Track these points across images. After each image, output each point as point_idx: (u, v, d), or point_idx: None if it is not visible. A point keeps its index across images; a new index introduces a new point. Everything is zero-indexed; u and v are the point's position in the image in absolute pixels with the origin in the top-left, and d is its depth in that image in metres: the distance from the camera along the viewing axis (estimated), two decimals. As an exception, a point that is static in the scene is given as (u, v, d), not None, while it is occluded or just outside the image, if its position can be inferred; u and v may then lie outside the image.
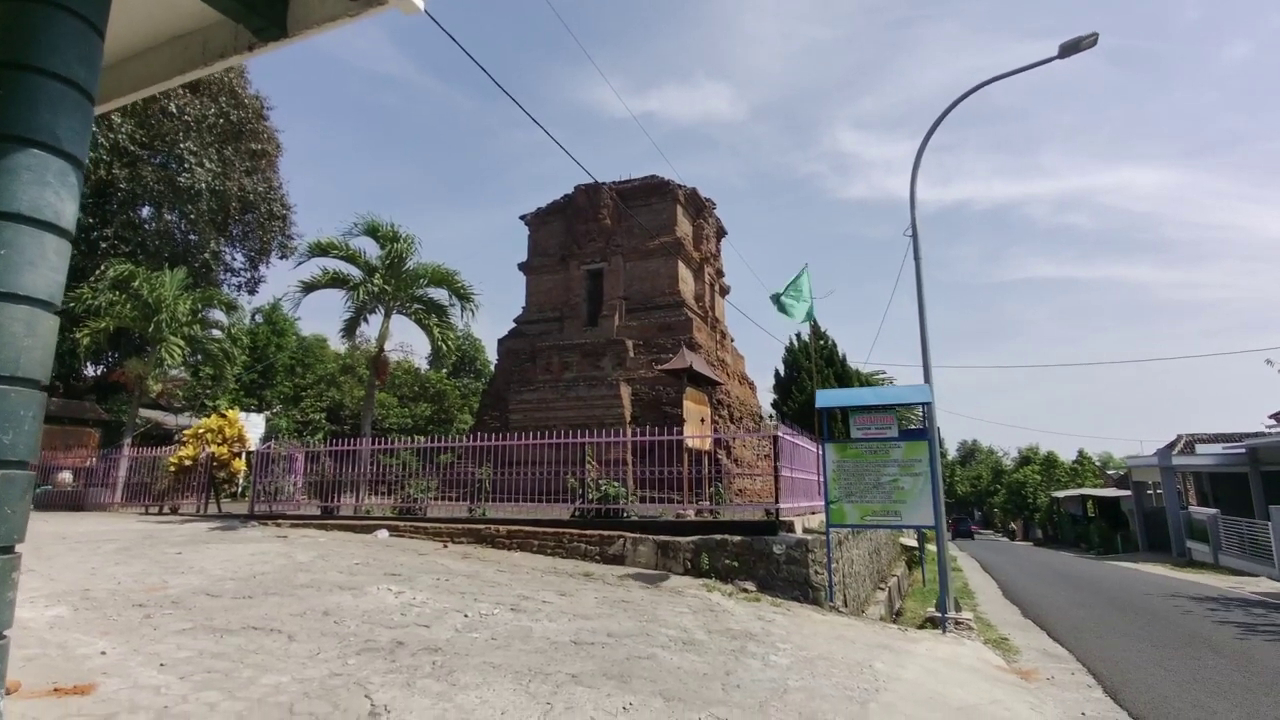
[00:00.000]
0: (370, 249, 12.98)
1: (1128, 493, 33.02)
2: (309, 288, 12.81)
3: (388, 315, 13.15)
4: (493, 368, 34.70)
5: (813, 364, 17.65)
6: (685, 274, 25.93)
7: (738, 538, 8.94)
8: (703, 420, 13.43)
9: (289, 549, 9.36)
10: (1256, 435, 27.93)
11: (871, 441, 8.69)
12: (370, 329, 19.07)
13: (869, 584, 12.57)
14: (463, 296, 13.19)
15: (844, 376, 19.86)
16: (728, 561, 8.81)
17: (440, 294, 13.64)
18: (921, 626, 9.20)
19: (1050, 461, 58.73)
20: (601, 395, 22.45)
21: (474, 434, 24.14)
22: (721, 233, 30.22)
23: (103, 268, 15.81)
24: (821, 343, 20.05)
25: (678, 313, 24.41)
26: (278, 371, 28.20)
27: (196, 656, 4.74)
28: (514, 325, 27.30)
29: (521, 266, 27.76)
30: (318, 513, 12.65)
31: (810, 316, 9.78)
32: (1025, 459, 65.05)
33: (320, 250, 12.63)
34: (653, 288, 25.22)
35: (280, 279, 33.68)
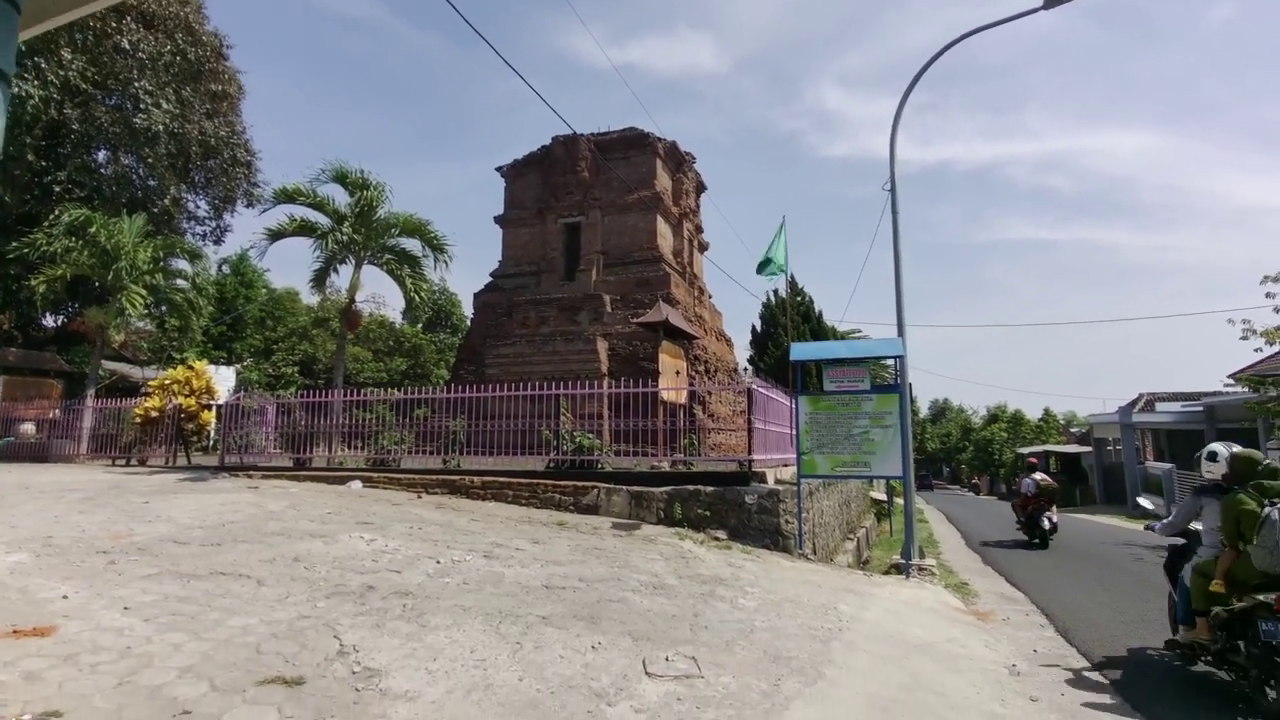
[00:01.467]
0: (339, 196, 12.61)
1: (1089, 449, 34.12)
2: (275, 236, 12.39)
3: (358, 266, 12.84)
4: (468, 322, 34.33)
5: (789, 320, 17.72)
6: (664, 229, 25.65)
7: (710, 488, 9.06)
8: (678, 374, 13.48)
9: (260, 499, 9.30)
10: (1214, 394, 28.89)
11: (844, 394, 8.78)
12: (341, 280, 18.73)
13: (838, 534, 12.91)
14: (436, 247, 12.89)
15: (820, 333, 20.03)
16: (700, 511, 8.95)
17: (413, 245, 13.34)
18: (886, 573, 9.48)
19: (1017, 420, 60.36)
20: (578, 350, 22.38)
21: (449, 387, 24.04)
22: (701, 188, 29.84)
23: (57, 213, 15.12)
24: (798, 299, 20.11)
25: (656, 268, 24.23)
26: (247, 324, 27.58)
27: (162, 600, 4.70)
28: (490, 279, 26.91)
29: (498, 219, 27.22)
30: (290, 464, 12.55)
31: (782, 269, 9.68)
32: (993, 417, 66.69)
33: (286, 197, 12.17)
34: (631, 242, 24.94)
35: (247, 229, 32.67)
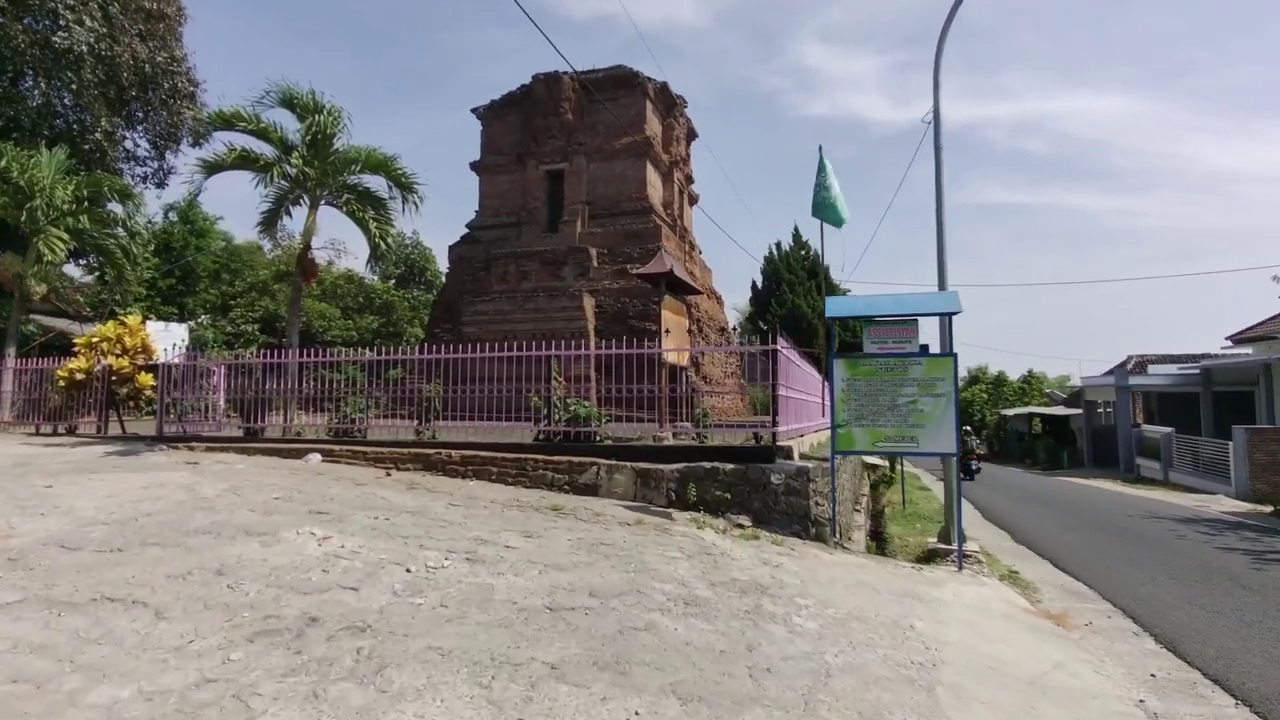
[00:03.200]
0: (289, 125, 10.80)
1: (1078, 411, 33.72)
2: (211, 168, 10.52)
3: (314, 207, 11.10)
4: (444, 278, 32.48)
5: (802, 273, 16.37)
6: (654, 178, 23.95)
7: (730, 466, 7.79)
8: (667, 332, 12.11)
9: (195, 479, 7.82)
10: (1210, 356, 28.39)
11: (888, 357, 7.49)
12: (295, 224, 16.89)
13: (849, 508, 11.84)
14: (404, 186, 11.19)
15: (829, 289, 18.70)
16: (718, 493, 7.69)
17: (377, 184, 11.60)
18: (924, 560, 8.38)
19: (999, 381, 60.24)
20: (563, 306, 20.87)
21: (422, 347, 22.50)
22: (692, 135, 28.02)
23: (-48, 140, 13.04)
24: (803, 253, 18.75)
25: (645, 219, 22.62)
26: (201, 278, 25.44)
27: (7, 651, 3.29)
28: (466, 230, 25.06)
29: (474, 166, 25.22)
30: (241, 435, 11.01)
31: (843, 217, 8.15)
32: (974, 378, 66.64)
33: (224, 122, 10.31)
34: (618, 191, 23.23)
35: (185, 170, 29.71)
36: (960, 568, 7.21)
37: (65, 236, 13.14)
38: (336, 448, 9.66)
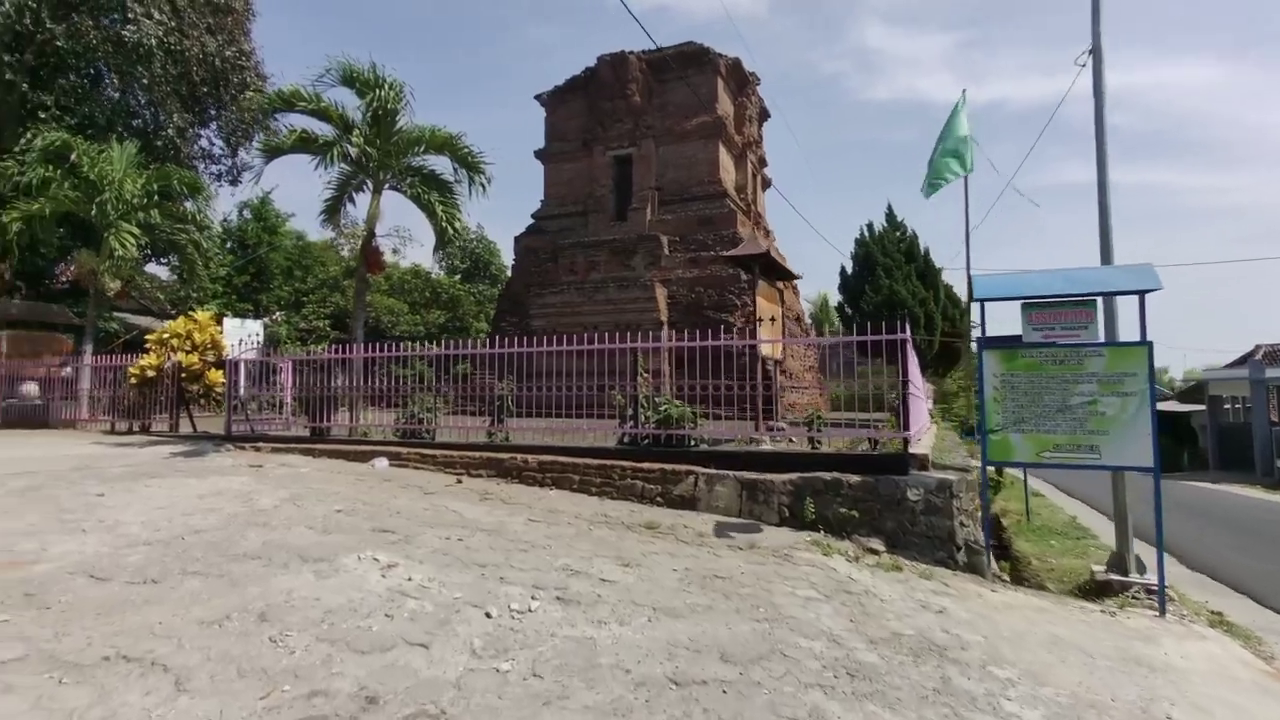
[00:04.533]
0: (350, 104, 10.13)
1: (1199, 407, 30.43)
2: (272, 152, 9.96)
3: (377, 191, 10.42)
4: (508, 271, 32.05)
5: (890, 258, 14.78)
6: (726, 160, 22.60)
7: (855, 477, 6.54)
8: (773, 320, 10.88)
9: (255, 486, 7.14)
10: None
11: (1057, 348, 6.08)
12: (359, 211, 16.43)
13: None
14: (470, 166, 10.38)
15: (927, 274, 16.98)
16: (842, 510, 6.46)
17: (442, 165, 10.84)
18: (1093, 592, 6.91)
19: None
20: (634, 297, 19.84)
21: (495, 341, 21.95)
22: (764, 115, 26.47)
23: (29, 136, 13.04)
24: (898, 234, 17.07)
25: (719, 204, 21.32)
26: (274, 274, 25.72)
27: (-26, 748, 2.44)
28: (532, 221, 24.37)
29: (538, 154, 24.47)
30: (307, 434, 10.46)
31: (961, 167, 6.71)
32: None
33: (284, 102, 9.72)
34: (689, 176, 22.00)
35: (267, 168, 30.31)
36: (1163, 611, 5.75)
37: (136, 231, 12.99)
38: (404, 450, 8.90)
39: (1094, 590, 7.06)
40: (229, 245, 25.38)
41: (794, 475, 6.81)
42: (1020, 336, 6.29)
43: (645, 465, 7.50)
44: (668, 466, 7.39)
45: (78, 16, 15.31)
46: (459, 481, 7.96)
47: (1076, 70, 8.01)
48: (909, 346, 6.96)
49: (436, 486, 7.68)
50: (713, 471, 7.18)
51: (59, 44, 15.12)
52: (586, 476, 7.69)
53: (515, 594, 4.34)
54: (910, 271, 16.16)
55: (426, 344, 9.62)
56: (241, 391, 11.22)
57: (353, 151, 9.83)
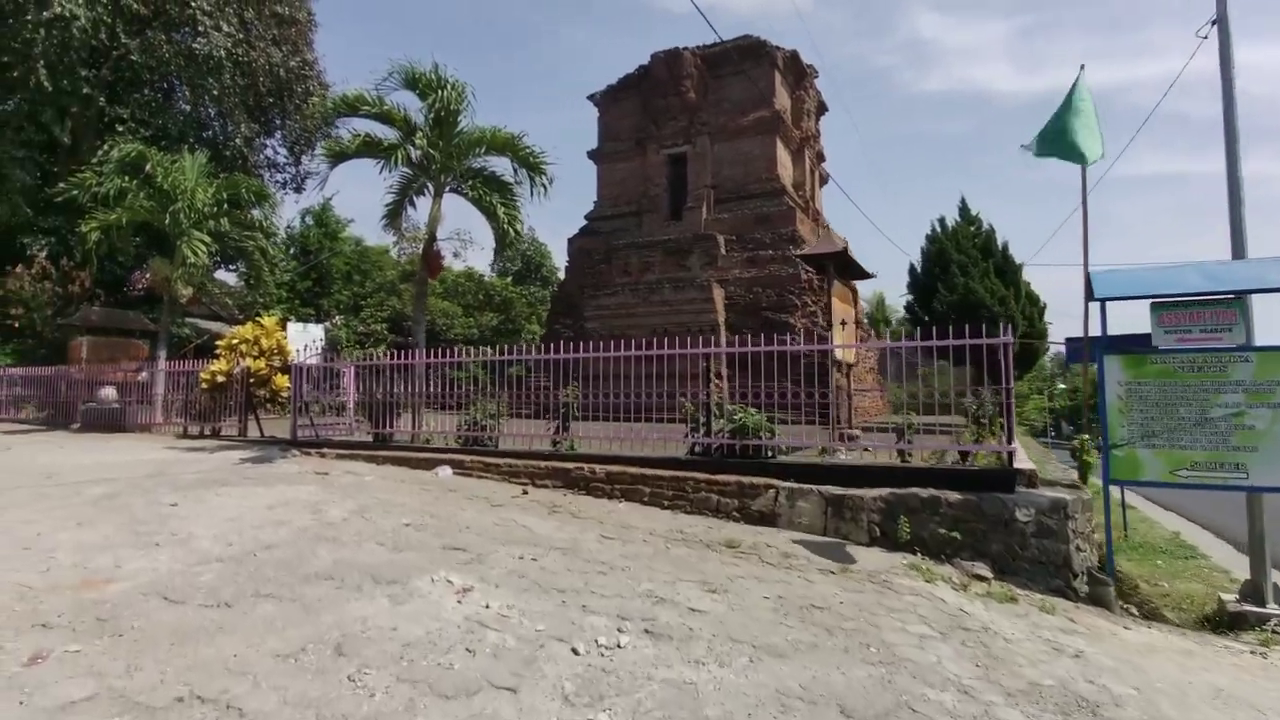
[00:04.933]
0: (412, 106, 10.05)
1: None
2: (336, 156, 9.95)
3: (438, 195, 10.31)
4: (559, 274, 32.07)
5: (964, 255, 13.90)
6: (784, 156, 21.96)
7: (955, 495, 5.99)
8: (844, 324, 10.30)
9: (322, 496, 7.03)
10: None
11: (1194, 353, 5.41)
12: (420, 215, 16.48)
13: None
14: (532, 167, 10.17)
15: (1005, 271, 15.94)
16: (941, 530, 5.91)
17: (502, 166, 10.67)
18: (1224, 624, 6.17)
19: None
20: (690, 298, 19.39)
21: (547, 344, 21.80)
22: (822, 109, 25.66)
23: (106, 147, 13.52)
24: (973, 228, 16.13)
25: (777, 201, 20.70)
26: (335, 279, 26.30)
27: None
28: (585, 222, 24.20)
29: (591, 154, 24.28)
30: (370, 439, 10.41)
31: (1084, 152, 6.04)
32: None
33: (347, 106, 9.70)
34: (746, 173, 21.44)
35: (349, 172, 31.35)
36: (1325, 654, 5.03)
37: (207, 239, 13.31)
38: (467, 459, 8.71)
39: (1225, 622, 6.31)
40: (292, 251, 26.11)
41: (885, 491, 6.29)
42: (1149, 337, 5.64)
43: (720, 478, 7.09)
44: (744, 479, 6.96)
45: (151, 32, 15.85)
46: (525, 493, 7.70)
47: (1196, 44, 7.24)
48: (1010, 351, 6.35)
49: (503, 498, 7.43)
50: (794, 485, 6.72)
51: (134, 58, 15.67)
52: (658, 489, 7.32)
53: (601, 626, 4.00)
54: (988, 268, 15.20)
55: (484, 348, 9.41)
56: (305, 396, 11.28)
57: (415, 154, 9.73)
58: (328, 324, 25.10)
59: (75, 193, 12.61)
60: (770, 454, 7.36)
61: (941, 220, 15.69)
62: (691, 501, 7.09)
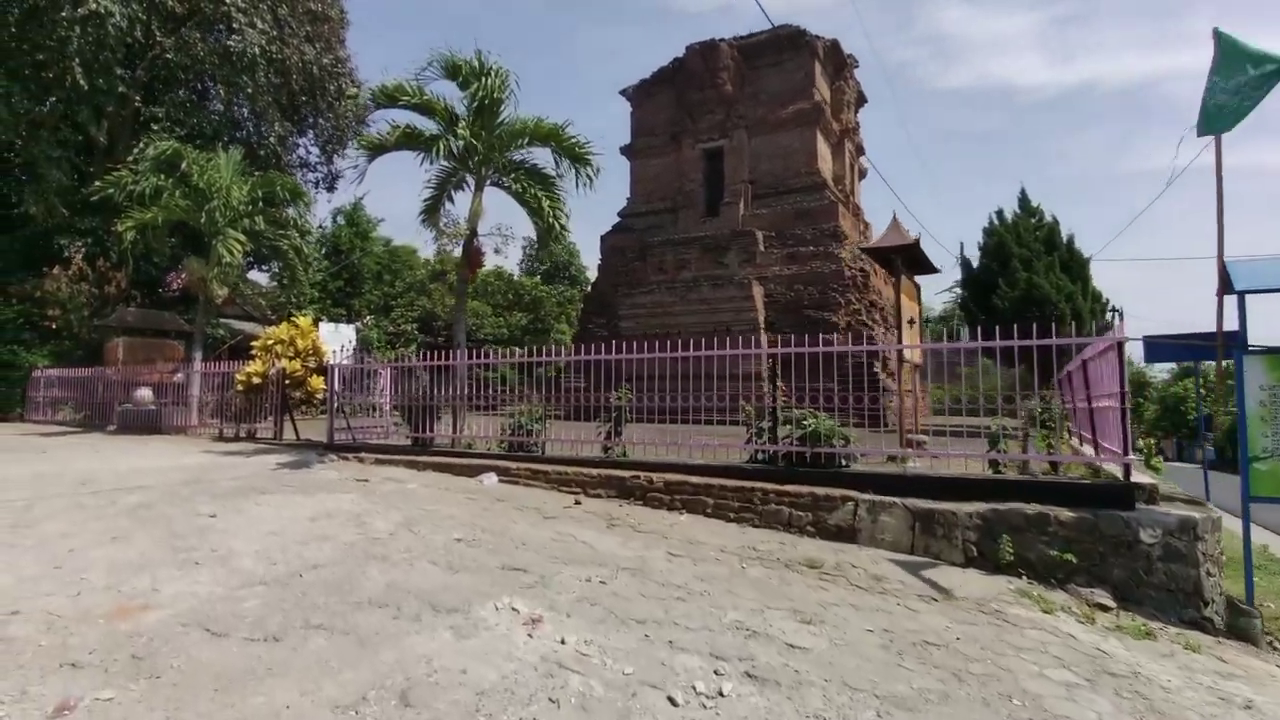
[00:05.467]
0: (453, 95, 9.63)
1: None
2: (375, 148, 9.55)
3: (479, 188, 9.88)
4: (588, 273, 31.65)
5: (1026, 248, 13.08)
6: (824, 149, 21.27)
7: (1067, 512, 5.36)
8: (911, 323, 9.67)
9: (365, 506, 6.62)
10: None
11: (1353, 352, 4.74)
12: (458, 209, 16.16)
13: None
14: (577, 158, 9.69)
15: (1072, 265, 15.07)
16: (1053, 552, 5.29)
17: (543, 158, 10.22)
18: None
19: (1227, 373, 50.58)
20: (729, 296, 18.83)
21: (581, 344, 21.41)
22: (861, 100, 24.89)
23: (142, 145, 13.37)
24: (1034, 220, 15.31)
25: (818, 196, 20.03)
26: (365, 279, 26.19)
27: None
28: (618, 219, 23.74)
29: (624, 150, 23.81)
30: (408, 444, 10.03)
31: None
32: (1185, 371, 56.68)
33: (387, 98, 9.29)
34: (785, 167, 20.81)
35: (377, 171, 31.29)
36: None
37: (242, 238, 13.08)
38: (513, 465, 8.26)
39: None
40: (324, 251, 26.07)
41: (982, 506, 5.68)
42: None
43: (790, 489, 6.53)
44: (818, 490, 6.39)
45: (185, 30, 15.72)
46: (578, 503, 7.22)
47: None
48: (1124, 351, 5.69)
49: (555, 508, 6.96)
50: (874, 498, 6.14)
51: (169, 57, 15.56)
52: (722, 500, 6.79)
53: (695, 667, 3.48)
54: (1053, 262, 14.37)
55: (519, 348, 8.98)
56: (340, 399, 10.95)
57: (456, 146, 9.31)
58: (359, 324, 24.97)
59: (111, 191, 12.45)
60: (844, 463, 6.78)
61: (999, 212, 14.88)
62: (760, 514, 6.55)
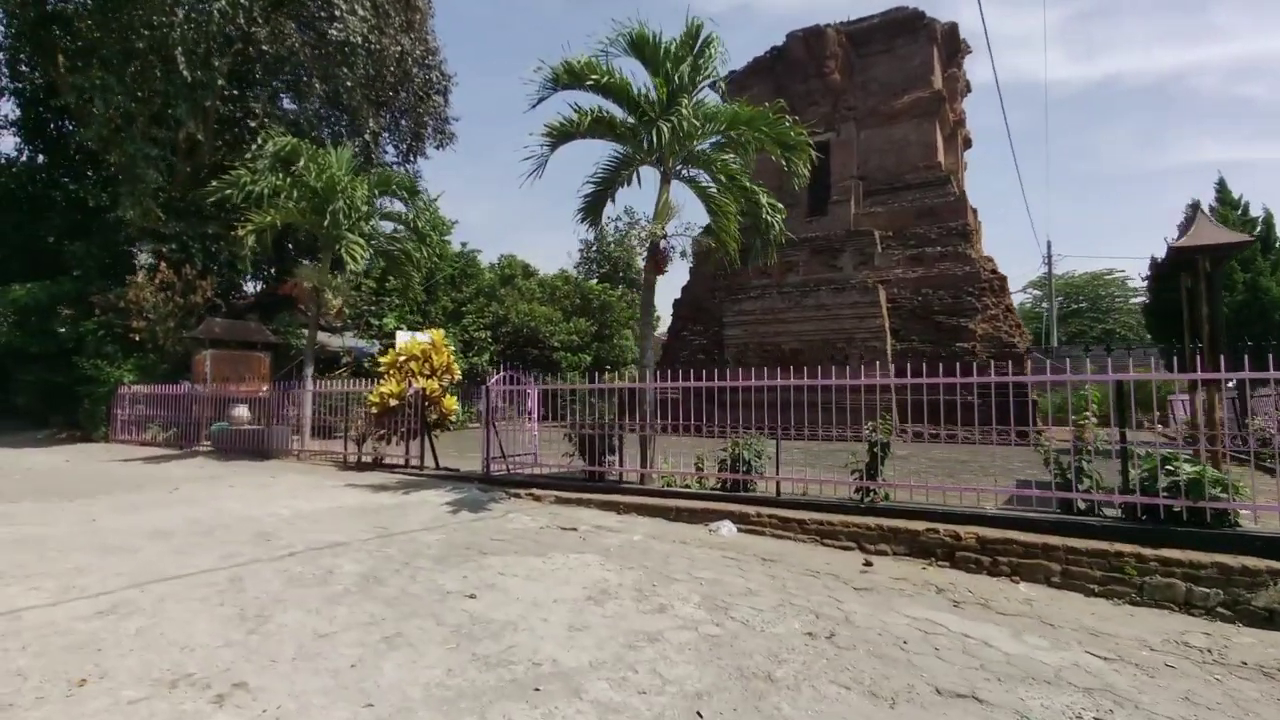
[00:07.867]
0: (638, 74, 8.33)
1: None
2: (561, 136, 8.17)
3: (666, 181, 8.58)
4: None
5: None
6: (940, 142, 19.73)
7: None
8: (1198, 343, 8.16)
9: (628, 575, 5.33)
10: None
11: None
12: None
13: None
14: (791, 147, 8.40)
15: (1285, 268, 13.43)
16: None
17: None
18: None
19: None
20: (851, 301, 17.37)
21: (675, 353, 20.05)
22: (967, 88, 23.30)
23: (260, 141, 12.29)
24: (1239, 214, 13.68)
25: (941, 192, 18.53)
26: (440, 284, 25.10)
27: None
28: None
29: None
30: (580, 475, 8.76)
31: None
32: None
33: (572, 77, 7.93)
34: (899, 161, 19.33)
35: (434, 175, 30.12)
36: None
37: (361, 242, 11.92)
38: (750, 510, 6.92)
39: None
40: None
41: None
42: None
43: (1174, 554, 5.11)
44: (1221, 560, 4.96)
45: (281, 19, 14.65)
46: (868, 564, 5.85)
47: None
48: None
49: (849, 573, 5.60)
50: (1314, 573, 4.69)
51: (264, 48, 14.51)
52: (1072, 565, 5.38)
53: None
54: (1267, 267, 12.71)
55: (583, 356, 7.63)
56: (494, 423, 9.71)
57: (648, 135, 8.04)
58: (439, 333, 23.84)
59: (230, 192, 11.33)
60: (1232, 520, 5.34)
61: (1195, 205, 13.30)
62: (1138, 588, 5.13)
